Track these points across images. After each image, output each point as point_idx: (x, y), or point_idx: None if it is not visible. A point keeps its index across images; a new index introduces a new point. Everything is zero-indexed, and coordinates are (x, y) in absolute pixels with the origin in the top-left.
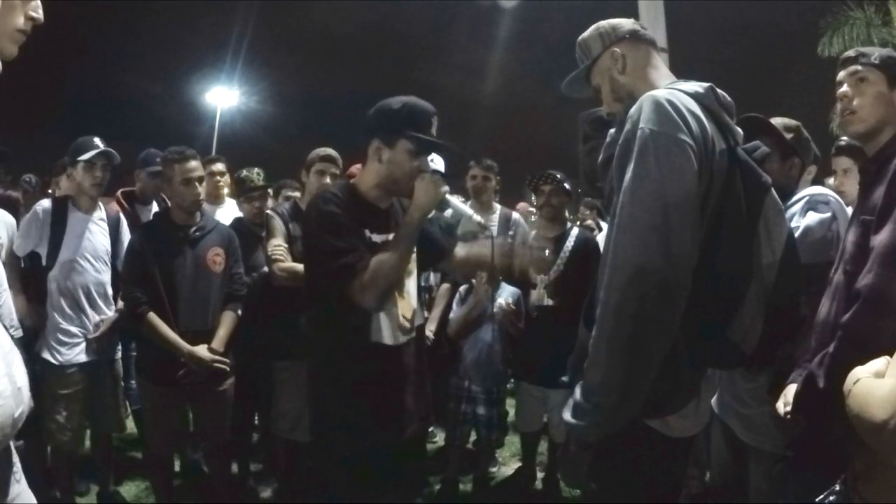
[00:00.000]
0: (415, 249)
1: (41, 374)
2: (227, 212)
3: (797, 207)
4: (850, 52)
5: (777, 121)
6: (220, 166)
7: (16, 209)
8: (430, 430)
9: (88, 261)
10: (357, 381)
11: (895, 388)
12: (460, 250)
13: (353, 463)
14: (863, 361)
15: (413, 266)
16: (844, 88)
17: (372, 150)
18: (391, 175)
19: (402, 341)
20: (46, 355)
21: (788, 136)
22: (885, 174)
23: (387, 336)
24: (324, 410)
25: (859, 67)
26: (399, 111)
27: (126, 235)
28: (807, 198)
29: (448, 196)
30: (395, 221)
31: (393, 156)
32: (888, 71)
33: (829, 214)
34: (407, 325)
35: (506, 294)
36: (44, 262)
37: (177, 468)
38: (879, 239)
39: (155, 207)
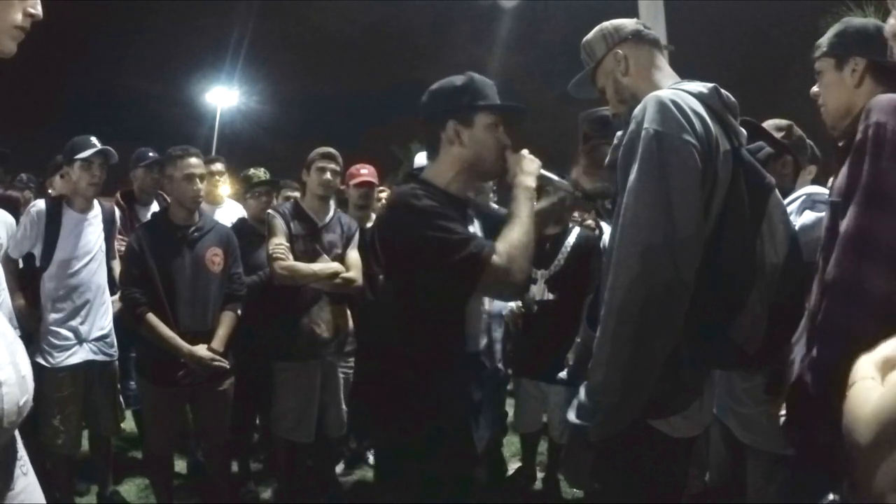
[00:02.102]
0: None
1: (36, 377)
2: (227, 212)
3: (794, 206)
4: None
5: (768, 123)
6: (219, 166)
7: (15, 209)
8: None
9: (84, 261)
10: (453, 392)
11: (879, 405)
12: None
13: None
14: (848, 356)
15: None
16: (813, 88)
17: (447, 136)
18: (478, 155)
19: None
20: (39, 359)
21: (779, 134)
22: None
23: (477, 343)
24: (415, 421)
25: (818, 63)
26: (467, 85)
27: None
28: (803, 197)
29: (544, 171)
30: (474, 215)
31: (475, 134)
32: (834, 52)
33: (825, 213)
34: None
35: None
36: (38, 262)
37: (182, 469)
38: (843, 224)
39: (154, 207)
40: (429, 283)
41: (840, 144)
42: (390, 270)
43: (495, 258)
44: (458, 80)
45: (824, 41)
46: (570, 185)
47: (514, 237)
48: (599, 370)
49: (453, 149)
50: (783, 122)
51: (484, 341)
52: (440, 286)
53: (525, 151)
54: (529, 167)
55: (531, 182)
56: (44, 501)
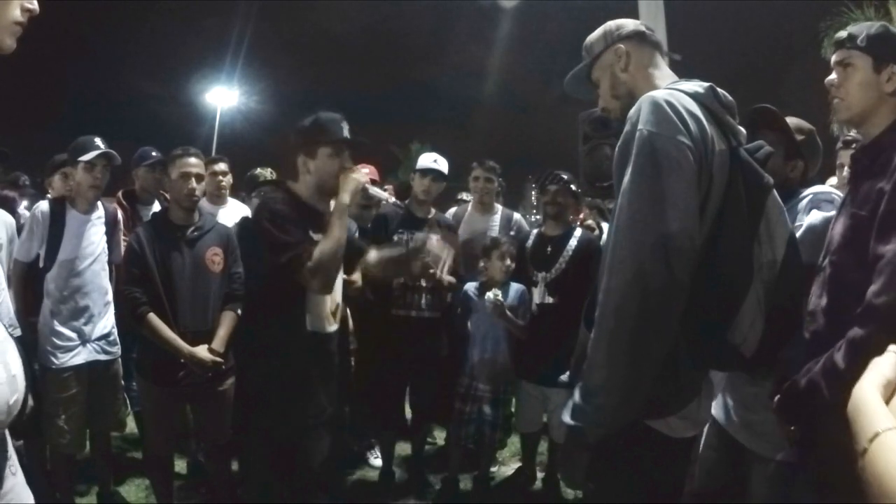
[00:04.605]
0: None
1: (40, 378)
2: (230, 212)
3: (801, 206)
4: (842, 33)
5: (792, 120)
6: (222, 166)
7: (13, 209)
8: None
9: (87, 262)
10: (294, 367)
11: None
12: (373, 253)
13: (287, 443)
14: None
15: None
16: (832, 76)
17: (300, 165)
18: (321, 179)
19: (330, 330)
20: (44, 359)
21: (799, 137)
22: (882, 169)
23: (318, 325)
24: (260, 398)
25: (847, 52)
26: (311, 126)
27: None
28: (810, 196)
29: (367, 186)
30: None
31: (317, 164)
32: (874, 53)
33: (832, 213)
34: (332, 316)
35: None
36: (41, 263)
37: (182, 469)
38: (890, 249)
39: (156, 207)
40: (269, 274)
41: (866, 161)
42: (245, 261)
43: (309, 264)
44: (307, 121)
45: (861, 35)
46: (389, 198)
47: (323, 248)
48: (595, 371)
49: (305, 176)
50: (806, 125)
51: (330, 328)
52: (276, 277)
53: (355, 171)
54: (347, 186)
55: (345, 199)
56: (32, 500)
